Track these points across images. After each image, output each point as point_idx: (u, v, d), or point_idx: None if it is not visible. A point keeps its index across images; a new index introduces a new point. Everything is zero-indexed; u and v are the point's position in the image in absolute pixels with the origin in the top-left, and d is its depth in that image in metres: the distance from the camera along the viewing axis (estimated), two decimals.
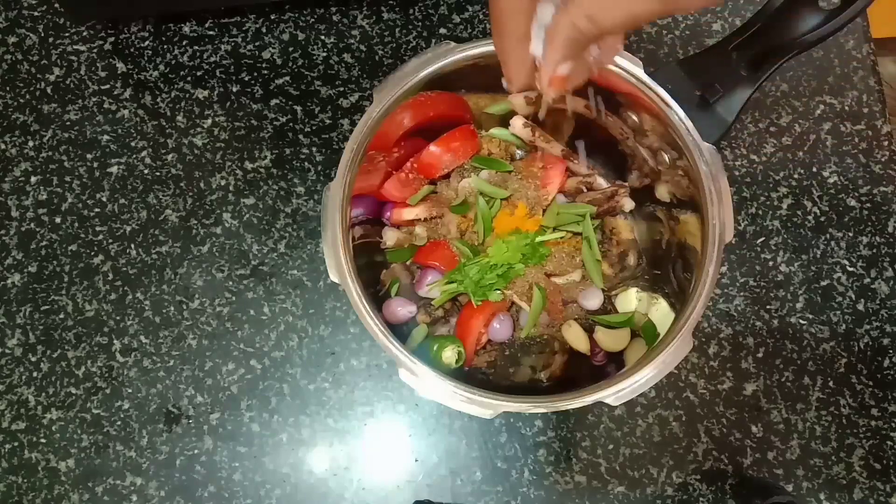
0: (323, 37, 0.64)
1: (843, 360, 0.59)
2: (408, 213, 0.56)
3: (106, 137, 0.63)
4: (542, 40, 0.29)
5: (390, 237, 0.57)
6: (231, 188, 0.62)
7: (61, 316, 0.59)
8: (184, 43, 0.64)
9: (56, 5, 0.65)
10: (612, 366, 0.55)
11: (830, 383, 0.59)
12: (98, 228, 0.61)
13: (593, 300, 0.56)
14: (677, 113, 0.46)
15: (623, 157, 0.56)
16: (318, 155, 0.62)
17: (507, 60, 0.29)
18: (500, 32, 0.28)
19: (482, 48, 0.47)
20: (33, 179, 0.62)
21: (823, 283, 0.61)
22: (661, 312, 0.53)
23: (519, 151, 0.59)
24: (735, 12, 0.66)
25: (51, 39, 0.64)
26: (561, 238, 0.55)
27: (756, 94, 0.49)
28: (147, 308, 0.60)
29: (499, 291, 0.54)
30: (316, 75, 0.64)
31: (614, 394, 0.44)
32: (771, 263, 0.61)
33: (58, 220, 0.61)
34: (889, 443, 0.58)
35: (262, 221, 0.61)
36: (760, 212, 0.62)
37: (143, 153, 0.62)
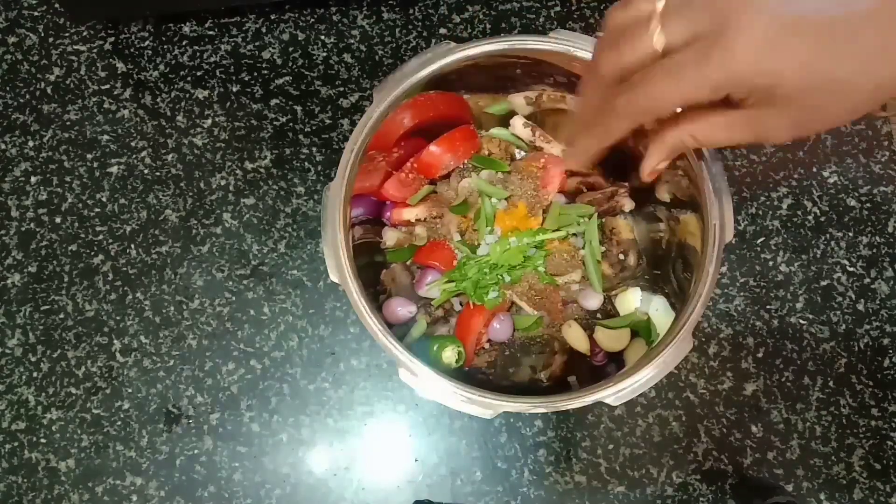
0: (323, 37, 0.64)
1: (843, 360, 0.59)
2: (408, 213, 0.56)
3: (106, 137, 0.63)
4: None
5: (390, 237, 0.57)
6: (231, 188, 0.62)
7: (61, 316, 0.59)
8: (184, 43, 0.64)
9: (56, 5, 0.65)
10: (612, 366, 0.55)
11: (830, 383, 0.59)
12: (98, 228, 0.61)
13: (593, 300, 0.56)
14: None
15: (623, 157, 0.56)
16: (318, 155, 0.62)
17: (582, 149, 0.38)
18: (588, 129, 0.37)
19: (482, 48, 0.47)
20: (33, 179, 0.62)
21: (823, 283, 0.61)
22: (661, 312, 0.53)
23: (519, 151, 0.59)
24: None
25: (51, 39, 0.64)
26: (562, 238, 0.55)
27: None
28: (147, 308, 0.60)
29: (496, 294, 0.54)
30: (316, 75, 0.64)
31: (614, 394, 0.44)
32: (771, 263, 0.61)
33: (58, 220, 0.61)
34: (889, 443, 0.58)
35: (262, 221, 0.61)
36: (760, 212, 0.62)
37: (143, 153, 0.62)
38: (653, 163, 0.38)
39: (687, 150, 0.38)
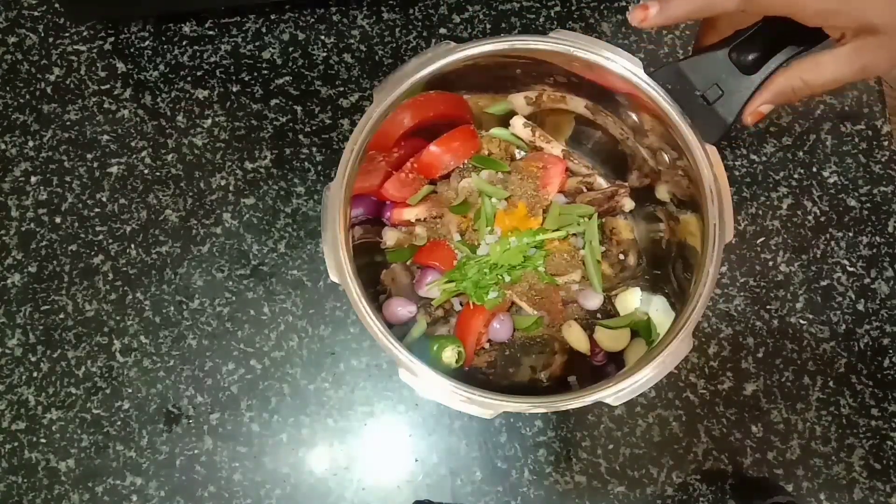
0: (323, 37, 0.64)
1: (843, 360, 0.59)
2: (408, 213, 0.56)
3: (106, 137, 0.63)
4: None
5: (390, 237, 0.57)
6: (231, 188, 0.62)
7: (61, 316, 0.59)
8: (184, 43, 0.64)
9: (56, 5, 0.65)
10: (612, 366, 0.55)
11: (830, 383, 0.59)
12: (98, 228, 0.61)
13: (593, 300, 0.56)
14: (677, 113, 0.46)
15: (623, 157, 0.56)
16: (318, 155, 0.62)
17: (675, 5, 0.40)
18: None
19: (482, 48, 0.47)
20: (33, 179, 0.62)
21: (823, 283, 0.61)
22: (661, 312, 0.53)
23: (519, 151, 0.59)
24: None
25: (51, 39, 0.64)
26: (562, 238, 0.55)
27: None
28: (147, 308, 0.60)
29: (496, 294, 0.54)
30: (316, 75, 0.64)
31: (614, 394, 0.44)
32: (771, 263, 0.61)
33: (58, 220, 0.61)
34: (889, 443, 0.58)
35: (262, 221, 0.61)
36: (760, 212, 0.62)
37: (143, 153, 0.62)
38: (757, 103, 0.41)
39: (794, 97, 0.40)
